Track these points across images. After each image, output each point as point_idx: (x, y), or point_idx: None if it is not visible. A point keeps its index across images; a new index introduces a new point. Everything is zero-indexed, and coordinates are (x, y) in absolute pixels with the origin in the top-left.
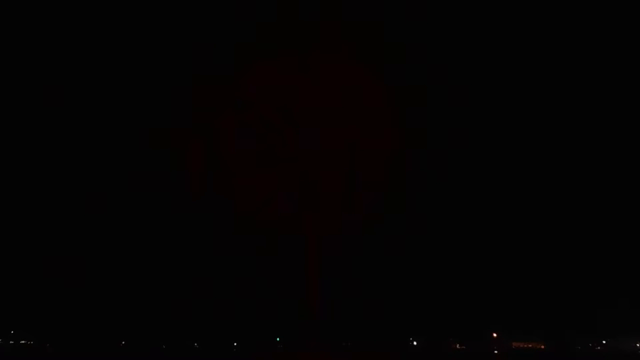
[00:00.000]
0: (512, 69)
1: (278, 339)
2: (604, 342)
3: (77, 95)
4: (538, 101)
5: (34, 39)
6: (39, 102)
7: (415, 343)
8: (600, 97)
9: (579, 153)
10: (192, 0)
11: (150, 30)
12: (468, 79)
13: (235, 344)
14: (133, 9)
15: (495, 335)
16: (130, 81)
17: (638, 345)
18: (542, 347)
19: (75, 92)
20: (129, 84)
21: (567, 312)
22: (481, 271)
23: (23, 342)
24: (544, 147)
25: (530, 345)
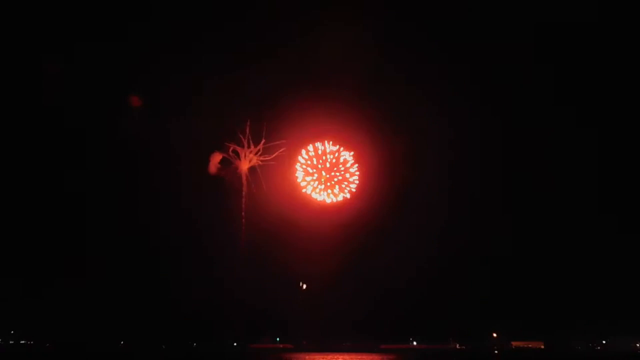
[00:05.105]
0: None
1: (278, 339)
2: (604, 342)
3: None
4: (539, 105)
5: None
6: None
7: (415, 343)
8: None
9: (580, 157)
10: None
11: (151, 31)
12: (468, 80)
13: (235, 344)
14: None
15: (495, 335)
16: (130, 81)
17: (638, 345)
18: (542, 347)
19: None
20: (130, 84)
21: (567, 312)
22: (481, 272)
23: (23, 342)
24: (547, 150)
25: (530, 345)
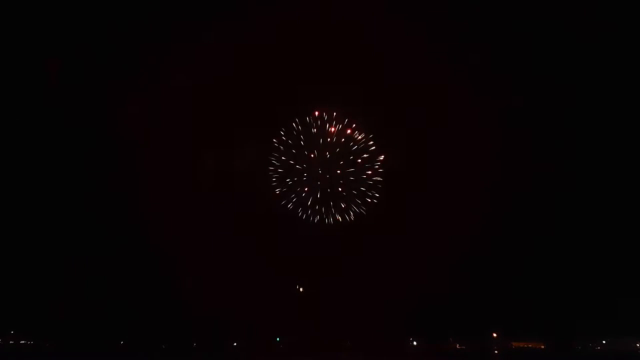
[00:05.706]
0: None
1: (278, 339)
2: (604, 342)
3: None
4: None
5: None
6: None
7: (415, 343)
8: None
9: (579, 156)
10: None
11: (154, 32)
12: (469, 80)
13: (235, 344)
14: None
15: (495, 335)
16: (132, 82)
17: (638, 345)
18: (542, 347)
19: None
20: (132, 85)
21: (567, 312)
22: (481, 272)
23: (23, 342)
24: (546, 149)
25: (530, 345)
